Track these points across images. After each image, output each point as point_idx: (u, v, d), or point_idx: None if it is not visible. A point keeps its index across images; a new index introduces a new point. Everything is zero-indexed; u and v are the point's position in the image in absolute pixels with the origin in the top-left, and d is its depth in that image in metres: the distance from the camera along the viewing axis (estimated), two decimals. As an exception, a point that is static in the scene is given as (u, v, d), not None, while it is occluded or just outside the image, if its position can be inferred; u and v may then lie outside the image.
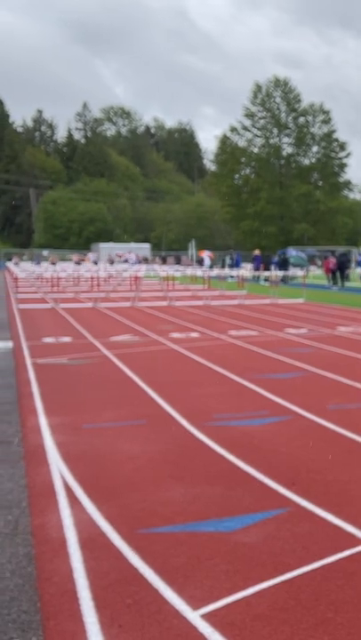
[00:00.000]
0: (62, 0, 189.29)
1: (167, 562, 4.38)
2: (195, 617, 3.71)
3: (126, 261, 54.24)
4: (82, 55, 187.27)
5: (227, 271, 37.58)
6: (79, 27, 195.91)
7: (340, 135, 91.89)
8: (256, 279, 41.36)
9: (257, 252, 49.40)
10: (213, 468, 6.35)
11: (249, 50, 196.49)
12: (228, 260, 50.44)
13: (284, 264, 42.76)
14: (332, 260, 40.21)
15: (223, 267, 46.98)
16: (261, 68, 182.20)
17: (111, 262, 53.22)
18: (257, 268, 43.55)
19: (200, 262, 51.57)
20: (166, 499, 5.55)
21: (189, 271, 37.25)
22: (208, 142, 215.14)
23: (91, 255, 51.94)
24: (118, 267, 45.70)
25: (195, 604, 3.84)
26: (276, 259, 44.98)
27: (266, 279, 33.30)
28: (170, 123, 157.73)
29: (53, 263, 54.52)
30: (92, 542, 4.69)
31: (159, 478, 6.05)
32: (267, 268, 36.71)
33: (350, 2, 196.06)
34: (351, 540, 4.72)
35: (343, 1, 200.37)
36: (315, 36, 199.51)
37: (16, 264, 52.02)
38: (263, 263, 45.34)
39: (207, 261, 51.29)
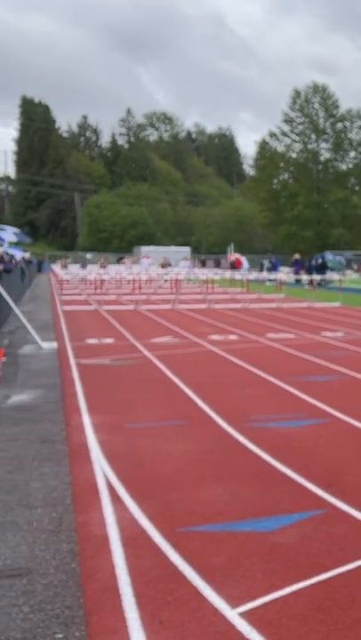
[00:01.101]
0: (102, 7, 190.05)
1: (206, 560, 4.40)
2: (233, 615, 3.72)
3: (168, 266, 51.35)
4: (123, 61, 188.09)
5: (265, 275, 37.45)
6: (119, 33, 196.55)
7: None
8: (297, 283, 41.07)
9: (297, 256, 49.08)
10: (251, 468, 6.35)
11: (284, 55, 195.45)
12: (266, 264, 50.20)
13: (322, 268, 42.52)
14: (369, 264, 39.88)
15: (261, 270, 46.70)
16: (296, 73, 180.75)
17: (163, 266, 49.92)
18: (297, 272, 43.31)
19: (232, 266, 50.76)
20: (206, 498, 5.56)
21: (228, 274, 37.18)
22: (247, 147, 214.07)
23: (144, 260, 48.90)
24: (161, 270, 45.49)
25: (233, 602, 3.85)
26: (313, 262, 44.76)
27: (310, 282, 33.18)
28: (210, 128, 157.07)
29: (103, 267, 49.45)
30: (134, 540, 4.72)
31: (199, 478, 6.07)
32: (309, 272, 36.47)
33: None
34: (387, 542, 4.70)
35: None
36: (348, 42, 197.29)
37: (64, 267, 50.07)
38: (303, 267, 45.11)
39: (245, 264, 51.03)
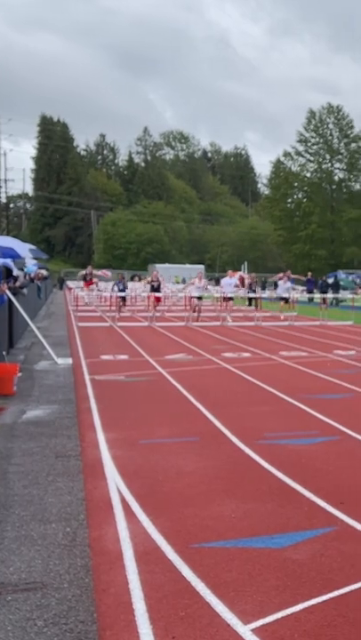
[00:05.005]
0: (107, 26, 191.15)
1: (219, 576, 4.40)
2: (245, 631, 3.71)
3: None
4: (130, 81, 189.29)
5: (278, 293, 37.28)
6: (125, 53, 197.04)
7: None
8: (310, 301, 40.89)
9: (309, 275, 48.94)
10: (264, 485, 6.35)
11: (287, 76, 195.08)
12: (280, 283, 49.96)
13: (334, 287, 42.39)
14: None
15: (263, 288, 46.09)
16: (300, 94, 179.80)
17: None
18: (310, 291, 43.15)
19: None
20: (218, 514, 5.56)
21: (241, 293, 37.12)
22: (259, 167, 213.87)
23: (228, 280, 39.37)
24: (173, 287, 45.13)
25: (245, 618, 3.85)
26: (323, 282, 44.61)
27: (322, 301, 33.23)
28: (225, 147, 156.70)
29: (152, 283, 32.40)
30: (147, 555, 4.73)
31: (212, 494, 6.07)
32: (323, 291, 36.32)
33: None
34: None
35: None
36: (351, 64, 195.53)
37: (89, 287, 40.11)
38: (316, 286, 44.93)
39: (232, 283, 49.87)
